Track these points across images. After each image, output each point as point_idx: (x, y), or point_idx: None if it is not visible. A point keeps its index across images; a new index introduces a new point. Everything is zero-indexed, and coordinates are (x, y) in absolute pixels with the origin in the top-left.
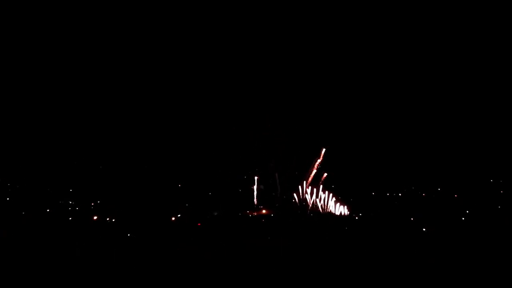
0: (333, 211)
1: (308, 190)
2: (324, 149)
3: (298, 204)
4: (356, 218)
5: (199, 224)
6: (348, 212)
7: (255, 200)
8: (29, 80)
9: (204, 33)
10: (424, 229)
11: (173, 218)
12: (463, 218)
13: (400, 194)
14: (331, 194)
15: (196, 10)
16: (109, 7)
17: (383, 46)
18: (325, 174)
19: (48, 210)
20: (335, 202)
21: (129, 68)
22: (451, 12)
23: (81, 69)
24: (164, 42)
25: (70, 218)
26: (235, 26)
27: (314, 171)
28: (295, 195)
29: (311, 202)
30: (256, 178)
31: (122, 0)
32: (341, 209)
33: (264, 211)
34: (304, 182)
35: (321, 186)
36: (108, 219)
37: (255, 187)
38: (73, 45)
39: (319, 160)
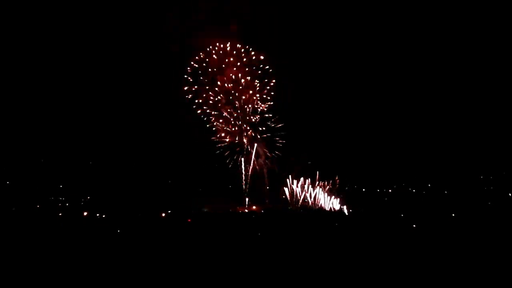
0: (323, 206)
1: (298, 185)
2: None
3: (288, 199)
4: (347, 214)
5: (189, 220)
6: (339, 208)
7: (245, 196)
8: (14, 77)
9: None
10: (414, 226)
11: (163, 214)
12: (453, 214)
13: (390, 190)
14: (321, 189)
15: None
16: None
17: (369, 44)
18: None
19: (38, 206)
20: (326, 197)
21: (115, 65)
22: (450, 12)
23: (67, 67)
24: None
25: (60, 214)
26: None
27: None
28: (285, 190)
29: (301, 198)
30: (248, 173)
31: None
32: (331, 205)
33: (254, 207)
34: (291, 176)
35: (310, 182)
36: (98, 215)
37: (245, 183)
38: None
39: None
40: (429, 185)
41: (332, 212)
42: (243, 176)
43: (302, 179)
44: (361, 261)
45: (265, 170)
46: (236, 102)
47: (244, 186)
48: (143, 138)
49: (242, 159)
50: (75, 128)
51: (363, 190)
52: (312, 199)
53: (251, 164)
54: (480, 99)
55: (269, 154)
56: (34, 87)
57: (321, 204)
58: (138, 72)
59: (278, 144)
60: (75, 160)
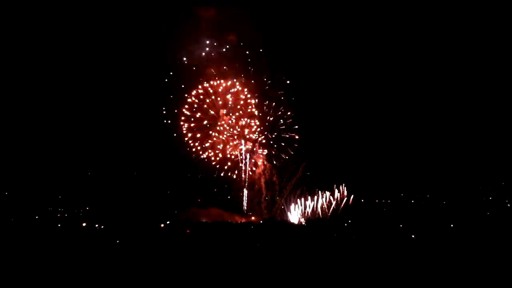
0: (322, 216)
1: (296, 196)
2: (304, 164)
3: (286, 210)
4: (345, 224)
5: (188, 231)
6: (337, 218)
7: (244, 207)
8: (10, 85)
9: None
10: (413, 236)
11: (162, 225)
12: (452, 225)
13: (388, 201)
14: (319, 199)
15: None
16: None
17: (368, 49)
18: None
19: (36, 217)
20: (324, 207)
21: (113, 73)
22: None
23: (63, 80)
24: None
25: (59, 225)
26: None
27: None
28: (283, 201)
29: (299, 208)
30: (246, 184)
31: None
32: (330, 215)
33: (253, 218)
34: (289, 187)
35: (308, 192)
36: (97, 225)
37: (245, 193)
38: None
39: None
40: (428, 195)
41: (330, 222)
42: (242, 187)
43: (300, 189)
44: (360, 271)
45: (263, 181)
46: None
47: (242, 196)
48: (142, 149)
49: (241, 170)
50: (75, 138)
51: (362, 200)
52: (310, 209)
53: (249, 175)
54: (479, 109)
55: (267, 165)
56: (31, 99)
57: (319, 215)
58: (135, 81)
59: (276, 154)
60: (74, 171)
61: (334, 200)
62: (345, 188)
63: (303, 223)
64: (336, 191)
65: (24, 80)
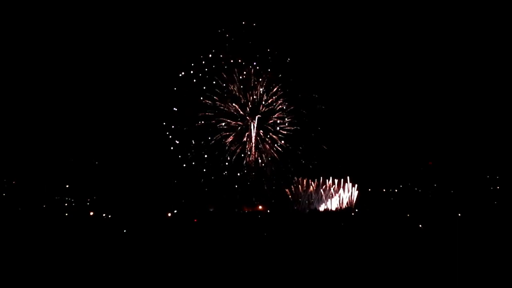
0: (329, 206)
1: (304, 185)
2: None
3: (294, 199)
4: (352, 214)
5: (195, 220)
6: (345, 208)
7: (252, 195)
8: (20, 76)
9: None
10: (420, 225)
11: (169, 214)
12: (459, 214)
13: (396, 190)
14: (327, 189)
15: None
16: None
17: (369, 46)
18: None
19: (44, 206)
20: (331, 196)
21: (119, 65)
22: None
23: (76, 66)
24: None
25: (66, 214)
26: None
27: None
28: (287, 190)
29: (307, 197)
30: (253, 173)
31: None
32: (337, 205)
33: (260, 207)
34: (296, 176)
35: (315, 182)
36: (104, 215)
37: (251, 183)
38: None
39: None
40: (435, 184)
41: (338, 212)
42: (249, 176)
43: (307, 178)
44: (368, 261)
45: (269, 170)
46: (242, 97)
47: (249, 185)
48: (149, 138)
49: (248, 158)
50: (81, 127)
51: (369, 190)
52: (317, 198)
53: (255, 163)
54: (486, 98)
55: (274, 154)
56: (40, 87)
57: (326, 204)
58: (137, 67)
59: (284, 144)
60: (81, 160)
61: (340, 189)
62: (352, 177)
63: (310, 212)
64: (343, 180)
65: (33, 71)
